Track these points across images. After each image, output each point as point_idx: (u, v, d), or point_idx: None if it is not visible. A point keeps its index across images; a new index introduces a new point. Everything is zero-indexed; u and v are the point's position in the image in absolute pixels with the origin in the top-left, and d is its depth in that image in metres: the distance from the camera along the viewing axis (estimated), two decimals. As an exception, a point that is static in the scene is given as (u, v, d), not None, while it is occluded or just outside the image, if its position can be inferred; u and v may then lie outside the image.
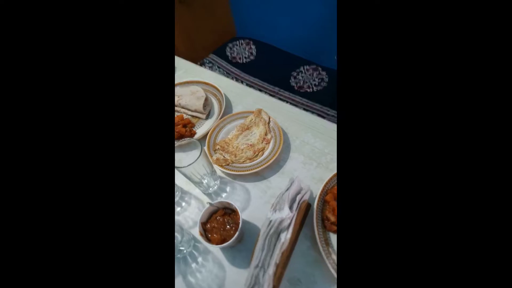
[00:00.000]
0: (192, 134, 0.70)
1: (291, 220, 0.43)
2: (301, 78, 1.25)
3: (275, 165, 0.62)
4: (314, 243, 0.49)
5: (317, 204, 0.52)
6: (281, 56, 1.37)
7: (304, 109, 0.87)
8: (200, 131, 0.71)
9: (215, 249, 0.52)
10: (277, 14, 1.45)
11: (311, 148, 0.64)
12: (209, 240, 0.48)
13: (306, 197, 0.49)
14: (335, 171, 0.55)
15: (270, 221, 0.42)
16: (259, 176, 0.61)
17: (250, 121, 0.69)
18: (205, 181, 0.56)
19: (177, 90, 0.80)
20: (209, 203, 0.50)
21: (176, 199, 0.60)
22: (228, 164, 0.62)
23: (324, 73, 1.25)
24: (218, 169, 0.62)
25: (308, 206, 0.52)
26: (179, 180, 0.60)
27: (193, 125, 0.73)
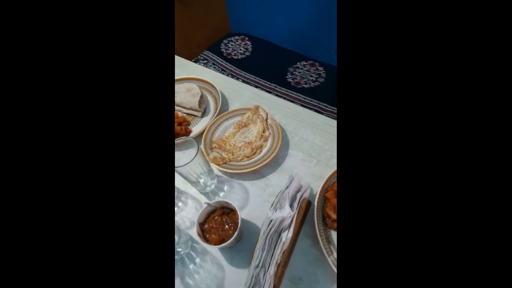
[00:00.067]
0: (188, 133, 0.68)
1: (292, 219, 0.42)
2: (298, 73, 1.23)
3: (274, 163, 0.61)
4: (315, 241, 0.48)
5: (318, 201, 0.51)
6: (277, 52, 1.35)
7: (302, 106, 0.86)
8: (195, 129, 0.70)
9: (214, 249, 0.51)
10: (272, 8, 1.43)
11: (311, 145, 0.63)
12: (207, 240, 0.47)
13: (306, 194, 0.48)
14: (335, 168, 0.54)
15: (271, 220, 0.41)
16: (257, 174, 0.60)
17: (248, 118, 0.68)
18: (202, 181, 0.55)
19: (172, 87, 0.78)
20: (207, 203, 0.49)
21: (173, 199, 0.58)
22: (225, 163, 0.61)
23: (321, 68, 1.23)
24: (215, 168, 0.60)
25: (309, 203, 0.51)
26: (175, 179, 0.58)
27: (188, 123, 0.71)
